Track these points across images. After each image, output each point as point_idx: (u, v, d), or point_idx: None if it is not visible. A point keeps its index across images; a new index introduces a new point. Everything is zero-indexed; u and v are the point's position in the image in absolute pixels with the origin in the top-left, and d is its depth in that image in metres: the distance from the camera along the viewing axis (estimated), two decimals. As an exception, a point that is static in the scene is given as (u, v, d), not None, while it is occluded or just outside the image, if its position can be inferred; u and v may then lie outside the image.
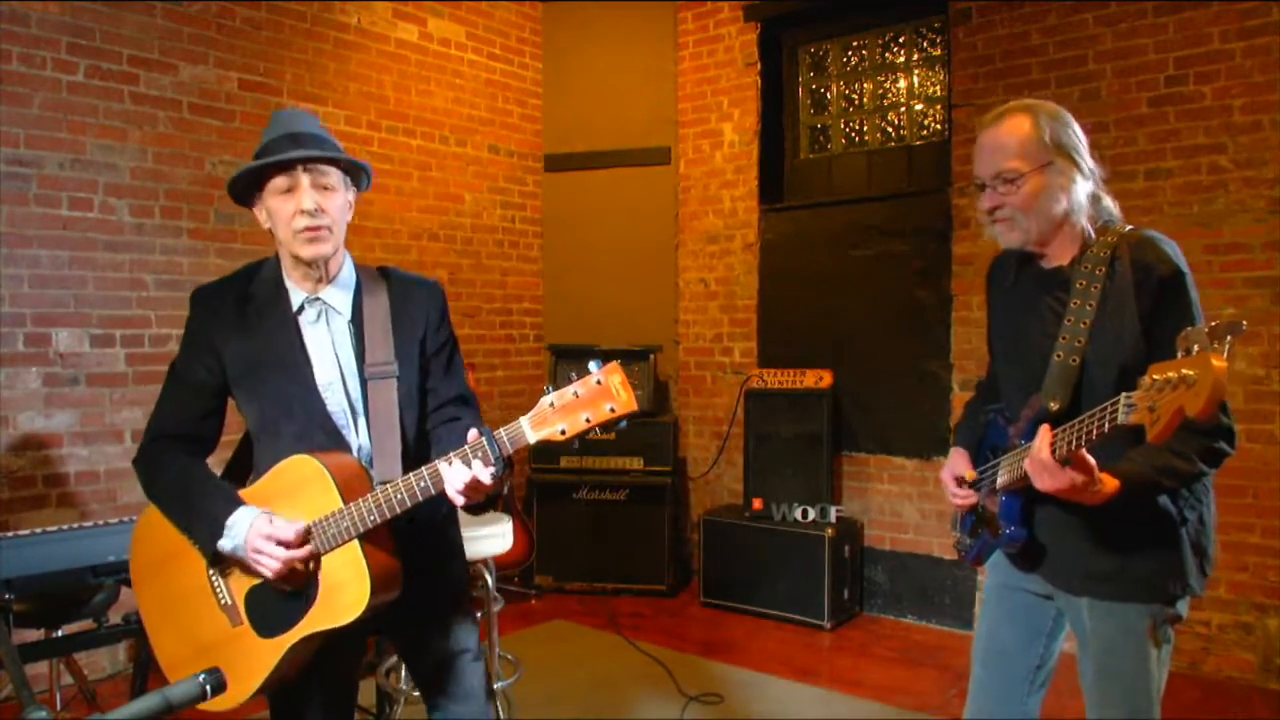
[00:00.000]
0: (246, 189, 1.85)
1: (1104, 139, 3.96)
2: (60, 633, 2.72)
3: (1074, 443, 1.61)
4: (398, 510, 1.68)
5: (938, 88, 4.78)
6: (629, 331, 5.34)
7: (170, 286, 3.96)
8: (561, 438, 1.59)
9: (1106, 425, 1.54)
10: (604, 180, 5.52)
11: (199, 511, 1.78)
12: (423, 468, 1.69)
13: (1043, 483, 1.66)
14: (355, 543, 1.70)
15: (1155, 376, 1.43)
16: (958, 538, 2.14)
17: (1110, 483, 1.65)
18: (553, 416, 1.59)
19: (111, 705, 1.68)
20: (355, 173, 1.92)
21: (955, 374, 4.40)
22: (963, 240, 4.40)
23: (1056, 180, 1.78)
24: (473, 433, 1.67)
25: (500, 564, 4.07)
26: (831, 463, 4.69)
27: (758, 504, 4.71)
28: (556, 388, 1.60)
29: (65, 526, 2.55)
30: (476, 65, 5.25)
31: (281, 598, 1.75)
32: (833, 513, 4.55)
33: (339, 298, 1.89)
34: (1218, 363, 1.35)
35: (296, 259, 1.83)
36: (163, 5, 3.91)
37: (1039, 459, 1.65)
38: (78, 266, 3.69)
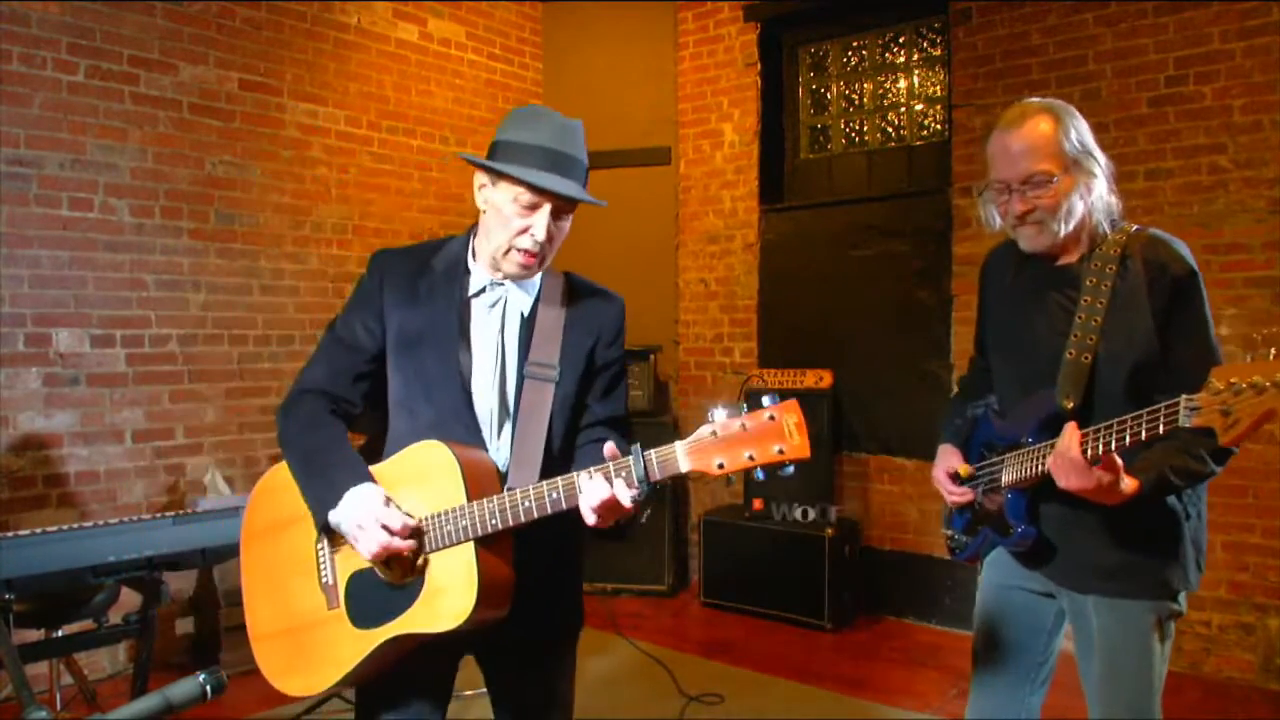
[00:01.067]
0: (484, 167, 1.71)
1: (1104, 139, 3.90)
2: (60, 633, 2.72)
3: (1111, 443, 1.59)
4: (522, 519, 1.55)
5: (938, 88, 4.78)
6: (629, 331, 5.26)
7: (170, 287, 3.96)
8: (718, 472, 1.44)
9: (1162, 428, 1.51)
10: (604, 180, 5.50)
11: (322, 475, 1.66)
12: (558, 478, 1.56)
13: (1068, 481, 1.64)
14: (470, 545, 1.56)
15: (1233, 380, 1.41)
16: (950, 535, 2.13)
17: (1131, 483, 1.65)
18: (712, 447, 1.44)
19: (111, 705, 1.65)
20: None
21: (955, 374, 4.40)
22: (963, 240, 4.40)
23: (1082, 180, 1.78)
24: (609, 447, 1.53)
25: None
26: (832, 463, 4.69)
27: (758, 504, 4.71)
28: (676, 417, 1.49)
29: (65, 527, 2.54)
30: (477, 65, 5.25)
31: (385, 588, 1.63)
32: (833, 513, 4.55)
33: (521, 291, 1.77)
34: None
35: (494, 264, 1.72)
36: (163, 5, 3.91)
37: (1068, 457, 1.63)
38: (78, 266, 3.70)
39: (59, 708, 3.06)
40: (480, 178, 1.73)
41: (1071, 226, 1.80)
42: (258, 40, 4.24)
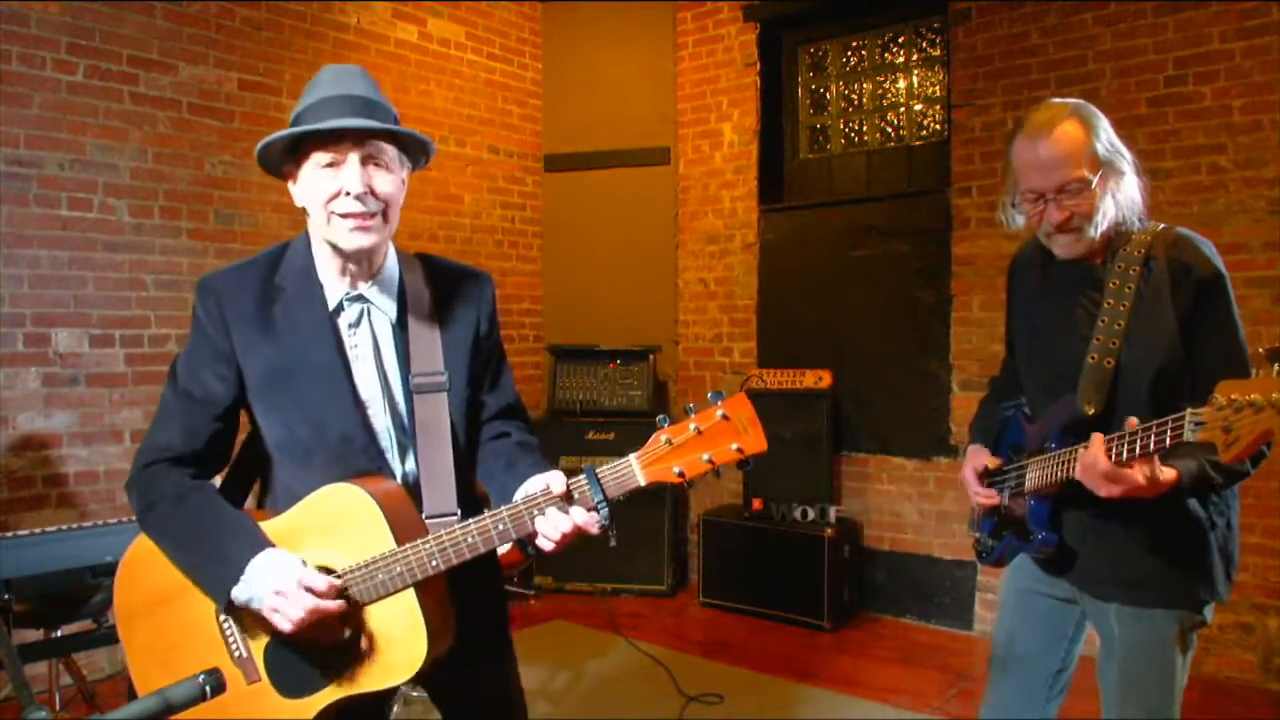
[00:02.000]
0: (279, 158, 1.56)
1: None
2: (59, 633, 2.72)
3: (1126, 454, 1.56)
4: (466, 556, 1.44)
5: (937, 88, 4.78)
6: (629, 332, 5.34)
7: (170, 287, 3.96)
8: (677, 480, 1.39)
9: (1169, 441, 1.48)
10: (604, 180, 5.51)
11: (210, 552, 1.47)
12: (501, 509, 1.45)
13: (1109, 491, 1.58)
14: (410, 591, 1.45)
15: (1234, 396, 1.36)
16: (978, 538, 2.09)
17: (1169, 471, 1.58)
18: (668, 455, 1.39)
19: (111, 706, 1.64)
20: (411, 148, 1.59)
21: (955, 374, 4.40)
22: (962, 240, 4.40)
23: (1113, 180, 1.74)
24: (555, 477, 1.44)
25: (500, 564, 4.06)
26: (831, 463, 4.69)
27: (757, 504, 4.71)
28: (670, 419, 1.40)
29: (64, 527, 2.55)
30: (476, 65, 5.25)
31: (310, 652, 1.48)
32: (832, 513, 4.55)
33: (383, 296, 1.60)
34: None
35: (335, 249, 1.54)
36: (162, 5, 3.91)
37: (1100, 470, 1.57)
38: (77, 266, 3.69)
39: (58, 708, 3.06)
40: (290, 180, 1.57)
41: (1107, 227, 1.76)
42: (257, 40, 4.24)
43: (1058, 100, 1.82)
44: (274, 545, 1.47)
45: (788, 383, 4.77)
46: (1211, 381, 1.47)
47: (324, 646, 1.48)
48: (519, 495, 1.52)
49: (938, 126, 4.78)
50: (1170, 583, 1.75)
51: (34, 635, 2.66)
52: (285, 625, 1.41)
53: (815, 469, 4.63)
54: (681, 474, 1.39)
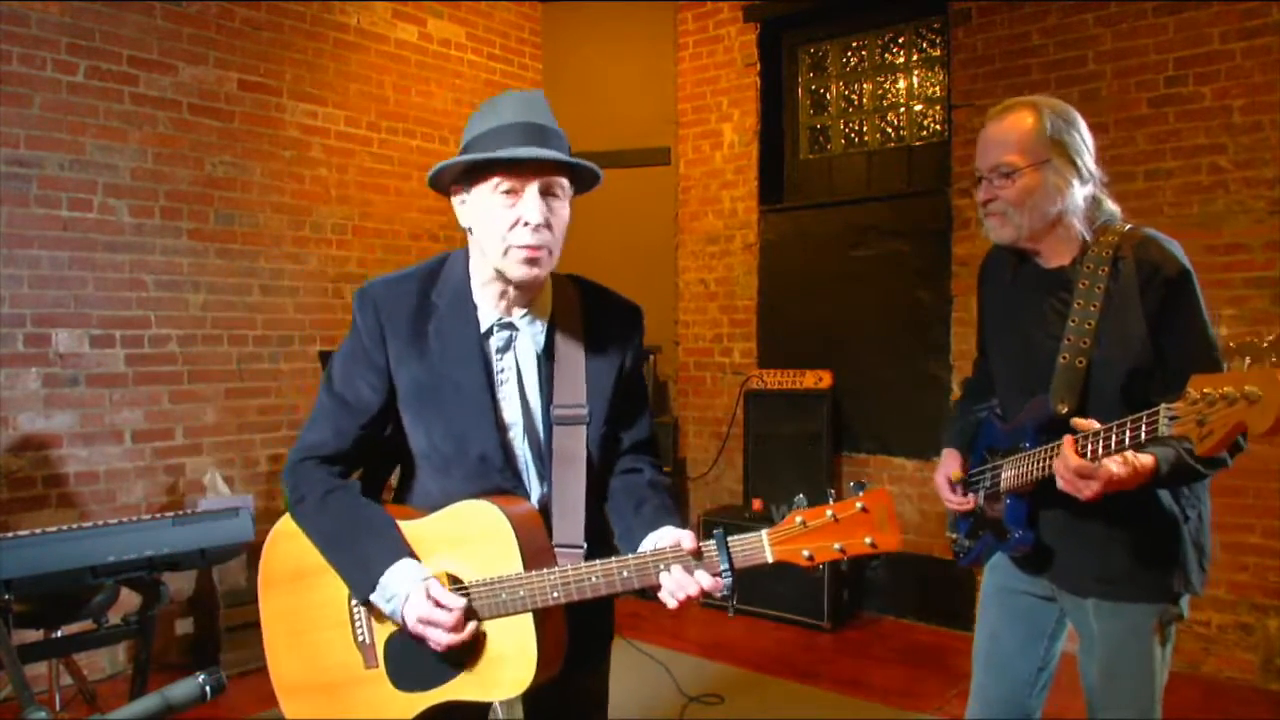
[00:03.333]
0: (451, 175, 1.58)
1: (1104, 139, 3.95)
2: (60, 633, 2.72)
3: (1099, 452, 1.58)
4: (587, 595, 1.46)
5: (937, 88, 4.78)
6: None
7: (170, 287, 3.96)
8: (806, 563, 1.42)
9: (1143, 436, 1.50)
10: (604, 180, 5.50)
11: (354, 555, 1.54)
12: (629, 558, 1.47)
13: (1090, 489, 1.60)
14: (528, 616, 1.48)
15: (1206, 390, 1.39)
16: (955, 539, 2.12)
17: (1145, 459, 1.60)
18: (800, 538, 1.41)
19: (111, 706, 1.65)
20: (584, 178, 1.63)
21: (955, 374, 4.40)
22: (962, 241, 4.40)
23: (1052, 179, 1.76)
24: (686, 535, 1.47)
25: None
26: (831, 463, 4.69)
27: (757, 504, 4.71)
28: (805, 501, 1.44)
29: (65, 527, 2.54)
30: (476, 66, 5.26)
31: (427, 652, 1.53)
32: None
33: (531, 327, 1.62)
34: None
35: (501, 276, 1.55)
36: (162, 6, 3.91)
37: (1075, 468, 1.59)
38: (77, 267, 3.69)
39: (58, 708, 3.06)
40: (456, 195, 1.59)
41: (1038, 224, 1.78)
42: (257, 41, 4.24)
43: (1035, 96, 1.85)
44: (410, 550, 1.54)
45: (788, 383, 4.77)
46: (1182, 378, 1.50)
47: (441, 652, 1.52)
48: (646, 545, 1.55)
49: (938, 127, 4.78)
50: (1146, 576, 1.77)
51: (34, 635, 2.66)
52: (436, 647, 1.49)
53: (815, 469, 4.63)
54: (811, 558, 1.42)
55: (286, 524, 1.66)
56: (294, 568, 1.65)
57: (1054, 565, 1.87)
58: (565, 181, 1.57)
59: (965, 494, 2.03)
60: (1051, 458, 1.69)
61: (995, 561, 2.04)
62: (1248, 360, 1.36)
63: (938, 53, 4.76)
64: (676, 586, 1.44)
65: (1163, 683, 1.81)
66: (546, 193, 1.53)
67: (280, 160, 4.33)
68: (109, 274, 3.78)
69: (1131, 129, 3.92)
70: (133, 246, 3.85)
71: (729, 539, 1.44)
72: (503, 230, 1.50)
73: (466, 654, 1.51)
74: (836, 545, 1.40)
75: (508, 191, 1.50)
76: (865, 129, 5.06)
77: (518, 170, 1.50)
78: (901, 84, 4.94)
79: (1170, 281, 1.70)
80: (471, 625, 1.49)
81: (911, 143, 4.88)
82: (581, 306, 1.68)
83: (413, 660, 1.55)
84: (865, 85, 5.05)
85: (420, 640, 1.49)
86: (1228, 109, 3.70)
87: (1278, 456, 3.59)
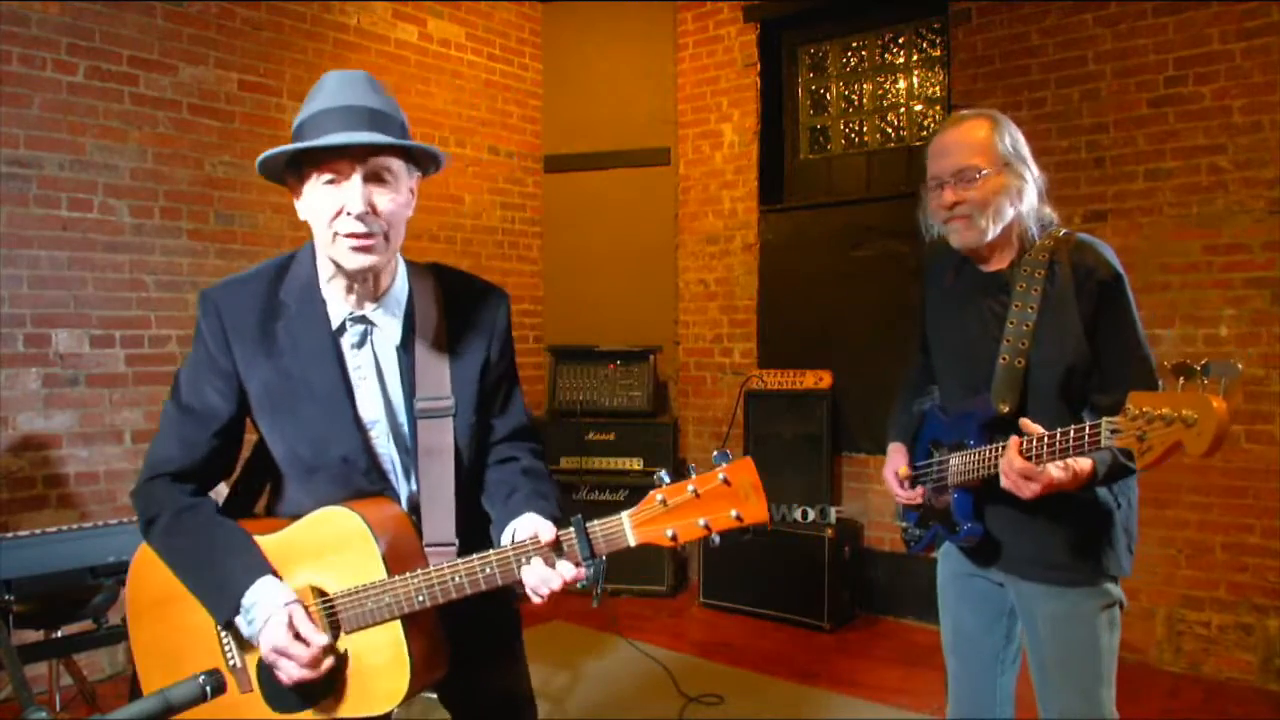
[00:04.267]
0: (281, 169, 1.51)
1: (1104, 139, 3.96)
2: (60, 633, 2.72)
3: (1043, 455, 1.65)
4: (452, 595, 1.42)
5: (937, 88, 4.78)
6: (629, 332, 5.34)
7: (170, 287, 3.96)
8: (670, 543, 1.35)
9: (1086, 447, 1.58)
10: (604, 181, 5.51)
11: (211, 577, 1.48)
12: (490, 553, 1.42)
13: (1030, 490, 1.68)
14: (398, 623, 1.44)
15: (1145, 408, 1.46)
16: (905, 528, 2.18)
17: (1083, 463, 1.69)
18: (662, 517, 1.35)
19: (111, 706, 1.64)
20: (420, 157, 1.55)
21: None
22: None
23: (1013, 183, 1.84)
24: (544, 526, 1.42)
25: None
26: (831, 463, 4.69)
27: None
28: (671, 474, 1.35)
29: (65, 527, 2.55)
30: (476, 66, 5.26)
31: None
32: (832, 513, 4.55)
33: (387, 318, 1.56)
34: (1218, 405, 1.40)
35: (338, 267, 1.50)
36: (163, 6, 3.91)
37: (1020, 470, 1.67)
38: (77, 267, 3.69)
39: (58, 709, 3.06)
40: (292, 190, 1.52)
41: (999, 228, 1.85)
42: (257, 41, 4.24)
43: (978, 108, 1.96)
44: (270, 568, 1.48)
45: (788, 383, 4.77)
46: (1114, 377, 1.62)
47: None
48: (506, 539, 1.50)
49: (938, 127, 4.77)
50: (1085, 561, 1.84)
51: (34, 636, 2.65)
52: (285, 680, 1.44)
53: (815, 470, 4.63)
54: (674, 537, 1.35)
55: (143, 551, 1.59)
56: (159, 594, 1.57)
57: (1000, 555, 1.94)
58: (396, 164, 1.47)
59: (913, 487, 2.10)
60: (997, 457, 1.76)
61: (947, 549, 2.11)
62: (1181, 381, 1.45)
63: (938, 53, 4.76)
64: (538, 581, 1.39)
65: (1112, 670, 1.87)
66: (372, 179, 1.44)
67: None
68: (109, 274, 3.78)
69: (1131, 129, 3.92)
70: (132, 247, 3.85)
71: (588, 525, 1.39)
72: (327, 219, 1.44)
73: (336, 671, 1.46)
74: (701, 521, 1.33)
75: (330, 181, 1.44)
76: (865, 129, 5.06)
77: (336, 159, 1.42)
78: (901, 84, 4.94)
79: (1104, 284, 1.78)
80: (329, 662, 1.44)
81: (911, 143, 4.88)
82: (440, 295, 1.61)
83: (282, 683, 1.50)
84: (865, 85, 5.05)
85: (274, 669, 1.44)
86: (1227, 109, 3.70)
87: (1278, 457, 3.59)
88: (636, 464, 4.98)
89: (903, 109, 4.94)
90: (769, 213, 5.13)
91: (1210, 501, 3.72)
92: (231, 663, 1.54)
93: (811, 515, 4.55)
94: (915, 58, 4.89)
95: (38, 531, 2.42)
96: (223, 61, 4.12)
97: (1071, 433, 1.60)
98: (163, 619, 1.58)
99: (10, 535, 2.41)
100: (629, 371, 5.08)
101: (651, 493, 1.36)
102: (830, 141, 5.19)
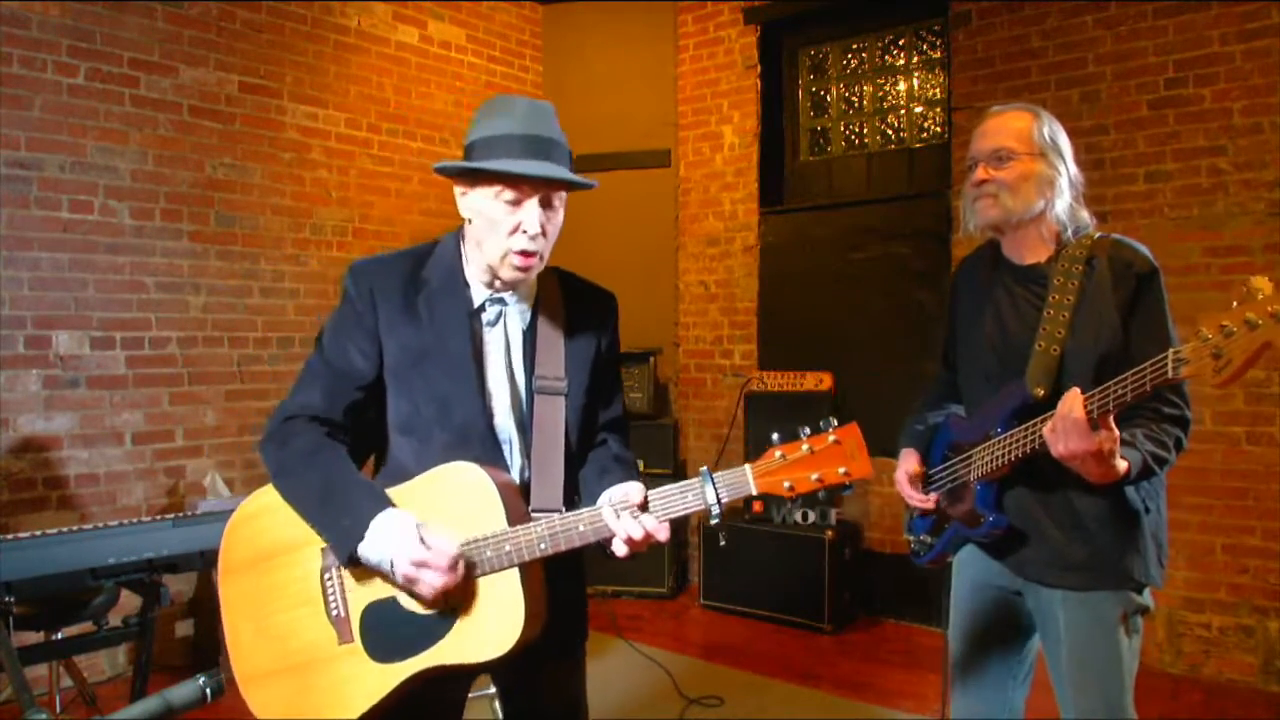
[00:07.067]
0: (457, 169, 1.63)
1: (1104, 141, 3.96)
2: (60, 635, 2.72)
3: (1109, 404, 1.61)
4: (576, 544, 1.51)
5: (937, 90, 4.78)
6: (629, 334, 5.28)
7: (170, 289, 3.96)
8: (787, 493, 1.50)
9: (1149, 385, 1.55)
10: (604, 183, 5.47)
11: (340, 504, 1.53)
12: (606, 503, 1.54)
13: (1069, 445, 1.64)
14: (515, 571, 1.50)
15: (1224, 323, 1.44)
16: (916, 539, 2.17)
17: (1124, 463, 1.68)
18: (780, 470, 1.50)
19: (111, 708, 1.64)
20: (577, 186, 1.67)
21: (955, 376, 4.40)
22: (962, 243, 4.39)
23: (1045, 173, 1.86)
24: (630, 488, 1.57)
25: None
26: (832, 465, 4.68)
27: (758, 506, 4.71)
28: (782, 438, 1.51)
29: (65, 529, 2.54)
30: (477, 68, 5.26)
31: (410, 618, 1.53)
32: (833, 515, 4.55)
33: (520, 305, 1.69)
34: None
35: (493, 273, 1.62)
36: (163, 8, 3.91)
37: (1072, 418, 1.63)
38: (78, 269, 3.70)
39: (59, 710, 3.06)
40: (458, 186, 1.66)
41: (1025, 212, 1.87)
42: (258, 43, 4.25)
43: (1028, 104, 1.97)
44: (394, 505, 1.53)
45: (788, 385, 4.77)
46: (1144, 360, 1.61)
47: (423, 615, 1.52)
48: (603, 500, 1.59)
49: (938, 129, 4.79)
50: (1110, 565, 1.83)
51: (34, 637, 2.66)
52: (424, 593, 1.48)
53: (816, 471, 4.63)
54: (791, 488, 1.49)
55: (244, 510, 1.65)
56: (256, 551, 1.62)
57: (1020, 552, 1.91)
58: (563, 192, 1.64)
59: (925, 491, 2.09)
60: (1030, 438, 1.76)
61: (964, 558, 2.09)
62: (1260, 291, 1.41)
63: (938, 55, 4.77)
64: (622, 530, 1.51)
65: (1133, 675, 1.85)
66: (545, 204, 1.59)
67: (280, 162, 4.34)
68: (109, 276, 3.78)
69: (1131, 131, 3.92)
70: (133, 248, 3.85)
71: (714, 474, 1.51)
72: (502, 235, 1.58)
73: (448, 616, 1.51)
74: (814, 476, 1.49)
75: (510, 200, 1.57)
76: (865, 131, 5.06)
77: (520, 182, 1.56)
78: (902, 86, 4.94)
79: (1141, 276, 1.81)
80: (462, 567, 1.49)
81: (912, 145, 4.88)
82: (562, 293, 1.76)
83: (392, 628, 1.53)
84: (865, 87, 5.05)
85: (412, 585, 1.48)
86: (1228, 111, 3.70)
87: (1278, 459, 3.59)
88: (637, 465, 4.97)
89: (903, 111, 4.94)
90: (769, 215, 5.13)
91: (1211, 503, 3.72)
92: (335, 612, 1.56)
93: (812, 517, 4.55)
94: (915, 60, 4.89)
95: (38, 533, 2.42)
96: (223, 63, 4.12)
97: (1129, 377, 1.57)
98: (259, 574, 1.61)
99: (10, 537, 2.40)
100: (629, 373, 5.08)
101: (771, 449, 1.51)
102: (830, 143, 5.19)
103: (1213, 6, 3.71)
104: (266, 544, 1.61)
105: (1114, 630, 1.83)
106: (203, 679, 1.20)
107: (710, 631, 4.48)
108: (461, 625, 1.51)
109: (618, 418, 1.82)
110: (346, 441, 1.66)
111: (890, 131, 4.99)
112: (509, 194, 1.56)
